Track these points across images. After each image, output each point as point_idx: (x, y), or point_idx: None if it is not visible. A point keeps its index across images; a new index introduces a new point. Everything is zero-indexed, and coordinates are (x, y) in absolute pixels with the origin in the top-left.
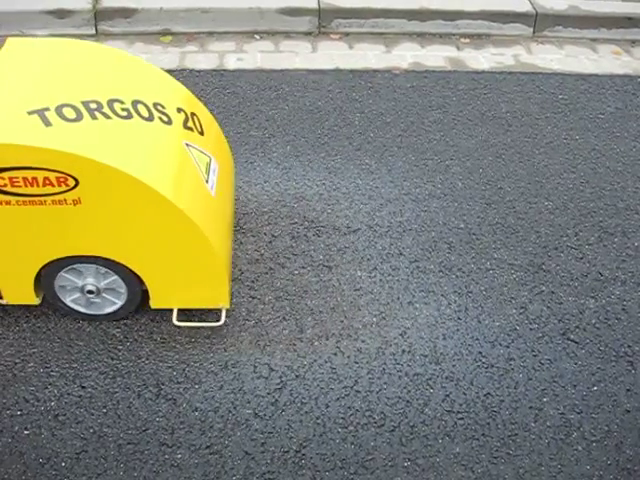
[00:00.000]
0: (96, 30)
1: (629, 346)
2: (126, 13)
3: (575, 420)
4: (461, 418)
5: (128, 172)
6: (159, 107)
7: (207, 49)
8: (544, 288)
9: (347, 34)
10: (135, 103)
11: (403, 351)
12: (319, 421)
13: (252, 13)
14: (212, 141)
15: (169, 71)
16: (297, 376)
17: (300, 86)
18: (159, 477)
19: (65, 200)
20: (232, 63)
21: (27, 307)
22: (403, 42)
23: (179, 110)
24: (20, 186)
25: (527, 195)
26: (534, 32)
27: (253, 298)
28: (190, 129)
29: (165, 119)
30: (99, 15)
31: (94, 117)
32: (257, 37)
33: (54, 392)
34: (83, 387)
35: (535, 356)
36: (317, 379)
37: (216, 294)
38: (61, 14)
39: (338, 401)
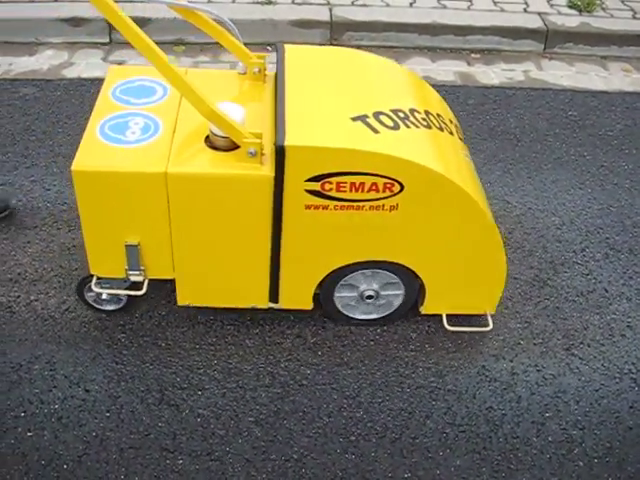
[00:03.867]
0: (110, 39)
1: (633, 363)
2: (140, 22)
3: (577, 436)
4: (463, 431)
5: (452, 179)
6: (441, 118)
7: (219, 59)
8: (549, 303)
9: (358, 47)
10: (427, 113)
11: (406, 363)
12: (320, 431)
13: (265, 25)
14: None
15: None
16: (300, 385)
17: None
18: None
19: (383, 206)
20: None
21: (34, 310)
22: (414, 56)
23: (450, 121)
24: (345, 191)
25: (534, 210)
26: (545, 48)
27: (257, 307)
28: (461, 139)
29: (448, 130)
30: None
31: (407, 125)
32: (269, 48)
33: (58, 395)
34: (87, 390)
35: (539, 371)
36: (320, 389)
37: (488, 298)
38: (76, 22)
39: (340, 411)
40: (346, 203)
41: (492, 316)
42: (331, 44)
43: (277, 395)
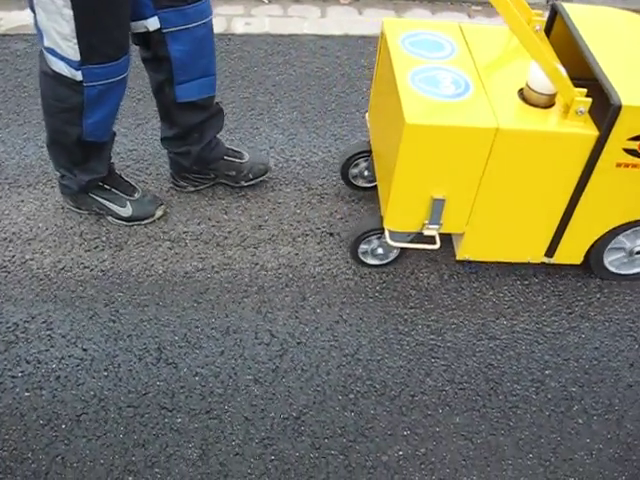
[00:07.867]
0: None
1: (633, 321)
2: None
3: (576, 393)
4: (462, 389)
5: None
6: None
7: (215, 13)
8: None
9: (357, 0)
10: None
11: (405, 321)
12: (319, 388)
13: None
14: None
15: None
16: (298, 343)
17: (308, 52)
18: (159, 440)
19: None
20: (240, 27)
21: (30, 270)
22: (413, 8)
23: None
24: None
25: None
26: (548, 0)
27: (256, 264)
28: None
29: None
30: None
31: None
32: (265, 1)
33: (55, 354)
34: (84, 350)
35: (539, 329)
36: (318, 346)
37: None
38: None
39: (339, 369)
40: None
41: (491, 275)
42: None
43: (276, 353)
